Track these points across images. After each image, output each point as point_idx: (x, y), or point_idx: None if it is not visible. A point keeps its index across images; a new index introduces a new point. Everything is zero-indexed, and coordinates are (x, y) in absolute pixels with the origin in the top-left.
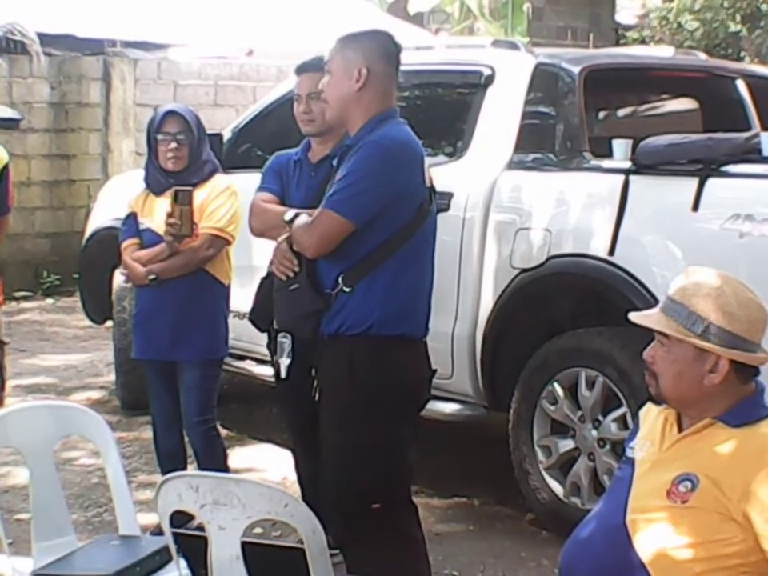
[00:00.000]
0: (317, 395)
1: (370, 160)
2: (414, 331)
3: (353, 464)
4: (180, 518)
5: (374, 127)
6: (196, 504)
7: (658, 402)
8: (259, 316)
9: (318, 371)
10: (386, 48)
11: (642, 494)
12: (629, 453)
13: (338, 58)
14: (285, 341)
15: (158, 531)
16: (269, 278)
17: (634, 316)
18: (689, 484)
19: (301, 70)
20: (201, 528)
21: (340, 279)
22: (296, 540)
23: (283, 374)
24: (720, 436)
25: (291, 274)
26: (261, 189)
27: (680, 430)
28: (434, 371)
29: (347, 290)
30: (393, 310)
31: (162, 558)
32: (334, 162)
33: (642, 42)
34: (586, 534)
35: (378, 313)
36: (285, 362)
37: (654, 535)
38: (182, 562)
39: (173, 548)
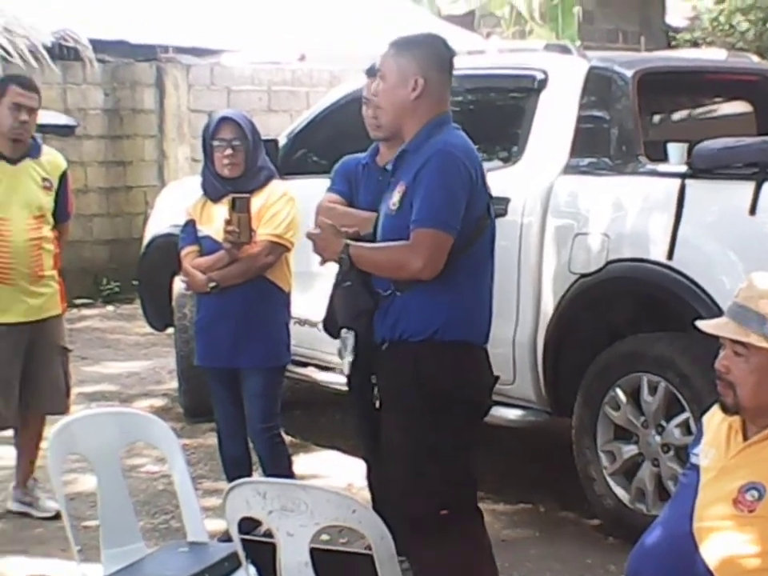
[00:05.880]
0: (377, 402)
1: (445, 171)
2: (477, 337)
3: (419, 470)
4: (247, 524)
5: (430, 133)
6: (264, 510)
7: (732, 412)
8: (332, 323)
9: (380, 377)
10: (441, 55)
11: (709, 503)
12: (693, 459)
13: (391, 64)
14: (348, 336)
15: (225, 537)
16: None
17: (704, 325)
18: (755, 493)
19: (371, 72)
20: (268, 534)
21: (393, 283)
22: (363, 547)
23: (346, 371)
24: None
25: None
26: (329, 190)
27: (744, 437)
28: (497, 378)
29: (399, 293)
30: (456, 317)
31: (231, 564)
32: (389, 167)
33: (694, 43)
34: (652, 541)
35: (441, 320)
36: (348, 358)
37: (722, 544)
38: (251, 569)
39: (242, 554)
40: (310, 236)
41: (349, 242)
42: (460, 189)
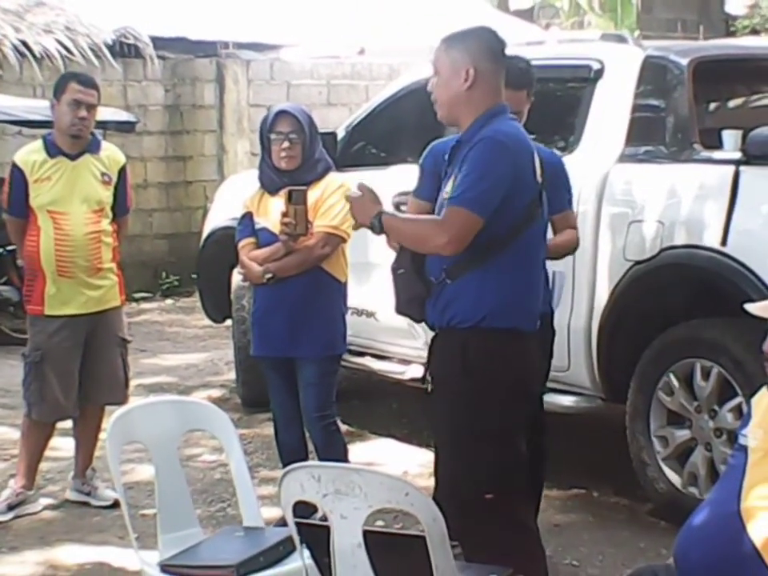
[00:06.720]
0: (429, 387)
1: (489, 155)
2: (525, 324)
3: (466, 455)
4: (303, 510)
5: (484, 123)
6: (318, 494)
7: None
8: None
9: (431, 363)
10: (491, 46)
11: (756, 482)
12: (741, 440)
13: (443, 58)
14: None
15: (280, 524)
16: None
17: (753, 308)
18: None
19: None
20: (323, 520)
21: (443, 271)
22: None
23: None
24: None
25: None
26: (415, 193)
27: None
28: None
29: (449, 281)
30: (504, 304)
31: (286, 548)
32: (446, 157)
33: (753, 30)
34: (699, 522)
35: (489, 306)
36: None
37: None
38: (305, 552)
39: (296, 538)
40: (348, 199)
41: (383, 209)
42: (501, 175)
